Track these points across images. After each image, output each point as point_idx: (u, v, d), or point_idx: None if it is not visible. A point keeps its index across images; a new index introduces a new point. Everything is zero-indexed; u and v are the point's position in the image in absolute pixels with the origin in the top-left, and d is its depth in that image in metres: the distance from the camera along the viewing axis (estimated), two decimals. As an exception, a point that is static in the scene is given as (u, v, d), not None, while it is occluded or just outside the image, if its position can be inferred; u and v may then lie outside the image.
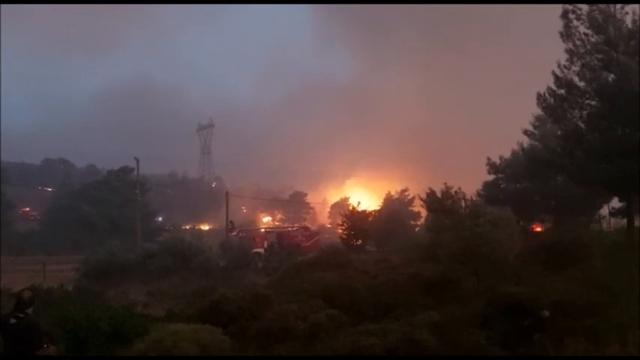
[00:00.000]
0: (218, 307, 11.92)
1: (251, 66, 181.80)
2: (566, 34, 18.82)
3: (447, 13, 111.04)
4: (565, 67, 19.18)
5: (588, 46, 18.69)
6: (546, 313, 9.62)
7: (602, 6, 18.67)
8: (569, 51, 18.99)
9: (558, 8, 18.91)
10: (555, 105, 20.05)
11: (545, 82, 20.24)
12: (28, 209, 66.77)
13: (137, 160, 41.73)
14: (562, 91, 19.59)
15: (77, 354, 9.25)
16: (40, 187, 73.81)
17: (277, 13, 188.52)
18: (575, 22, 18.74)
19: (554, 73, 19.48)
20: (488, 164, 33.85)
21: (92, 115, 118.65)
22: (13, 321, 6.11)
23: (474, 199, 20.90)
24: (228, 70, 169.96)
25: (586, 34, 18.70)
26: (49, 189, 71.18)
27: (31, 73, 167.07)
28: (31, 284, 15.10)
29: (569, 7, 18.58)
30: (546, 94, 20.15)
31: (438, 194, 17.37)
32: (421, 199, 18.37)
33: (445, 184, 17.10)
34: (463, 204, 16.55)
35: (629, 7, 18.68)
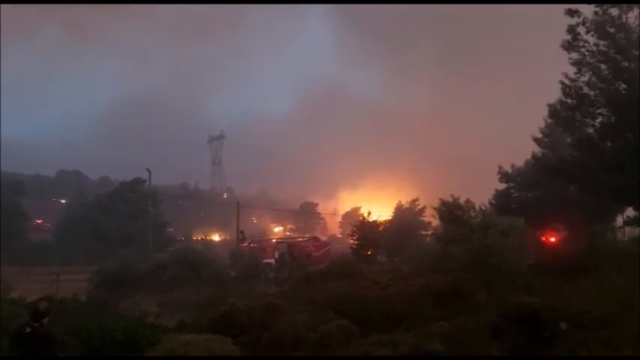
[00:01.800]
0: (229, 317, 11.99)
1: (264, 76, 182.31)
2: (573, 45, 18.59)
3: (462, 27, 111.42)
4: (574, 79, 18.99)
5: (598, 56, 18.49)
6: (564, 326, 9.54)
7: (611, 11, 18.46)
8: (577, 62, 18.79)
9: (569, 19, 18.71)
10: (567, 115, 19.85)
11: (557, 90, 20.11)
12: (41, 221, 67.56)
13: (149, 172, 42.16)
14: (573, 102, 19.39)
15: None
16: (54, 199, 74.62)
17: (293, 23, 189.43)
18: (582, 34, 18.50)
19: (562, 83, 19.31)
20: (499, 173, 33.58)
21: (105, 127, 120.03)
22: (27, 330, 6.20)
23: (485, 208, 20.75)
24: (241, 81, 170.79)
25: (596, 44, 18.50)
26: (63, 200, 71.95)
27: (45, 85, 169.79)
28: (45, 294, 15.30)
29: (578, 19, 18.36)
30: (558, 106, 19.98)
31: (448, 205, 17.31)
32: (434, 208, 18.23)
33: (452, 195, 17.04)
34: (473, 214, 16.48)
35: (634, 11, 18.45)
